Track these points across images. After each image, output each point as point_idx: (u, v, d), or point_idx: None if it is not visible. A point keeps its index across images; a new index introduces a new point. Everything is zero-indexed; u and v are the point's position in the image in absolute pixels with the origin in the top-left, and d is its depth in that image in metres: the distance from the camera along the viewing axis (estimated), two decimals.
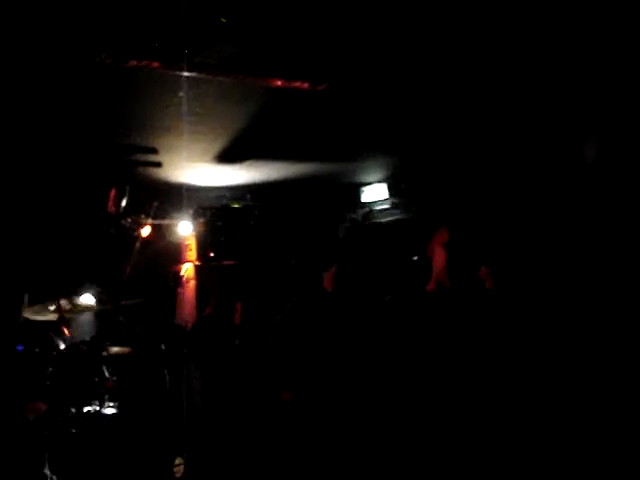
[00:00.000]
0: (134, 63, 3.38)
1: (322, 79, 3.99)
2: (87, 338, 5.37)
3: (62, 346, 5.19)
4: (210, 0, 3.09)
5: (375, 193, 7.82)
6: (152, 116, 5.17)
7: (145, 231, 6.96)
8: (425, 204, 7.28)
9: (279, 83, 3.83)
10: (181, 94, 4.57)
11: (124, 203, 5.94)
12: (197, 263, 7.04)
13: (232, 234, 6.99)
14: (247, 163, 6.46)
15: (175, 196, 7.36)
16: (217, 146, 5.94)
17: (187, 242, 7.11)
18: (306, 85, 3.93)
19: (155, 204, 7.03)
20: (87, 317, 5.71)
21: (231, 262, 7.05)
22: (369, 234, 7.68)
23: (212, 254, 6.98)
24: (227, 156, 6.15)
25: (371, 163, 7.25)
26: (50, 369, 4.87)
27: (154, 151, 5.78)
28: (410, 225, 7.30)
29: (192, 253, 7.07)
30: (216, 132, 5.61)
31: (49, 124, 5.03)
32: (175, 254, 7.29)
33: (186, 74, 3.81)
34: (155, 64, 3.41)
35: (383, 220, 7.73)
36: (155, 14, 3.14)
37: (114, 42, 3.26)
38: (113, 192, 5.82)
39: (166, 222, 7.25)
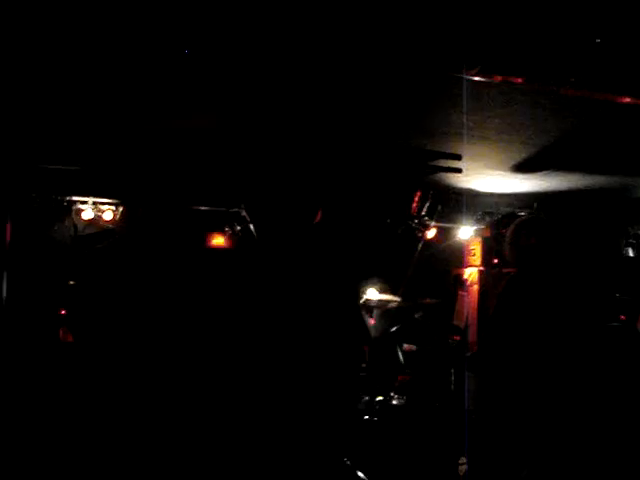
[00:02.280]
0: (499, 78, 3.50)
1: None
2: (389, 330, 5.65)
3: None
4: (584, 22, 3.12)
5: None
6: (461, 124, 5.31)
7: (430, 233, 7.18)
8: None
9: (627, 100, 3.79)
10: (492, 104, 4.68)
11: (426, 206, 6.17)
12: (481, 268, 7.13)
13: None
14: (543, 173, 6.44)
15: (459, 200, 7.52)
16: (518, 155, 5.97)
17: (471, 247, 7.22)
18: None
19: (439, 207, 7.21)
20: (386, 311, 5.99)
21: (511, 270, 7.05)
22: None
23: (496, 260, 7.04)
24: (526, 165, 6.17)
25: None
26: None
27: (458, 157, 5.92)
28: None
29: (476, 258, 7.16)
30: (522, 142, 5.64)
31: (366, 128, 5.32)
32: (455, 258, 7.44)
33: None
34: (518, 80, 3.51)
35: None
36: (525, 30, 3.23)
37: (487, 56, 3.40)
38: (418, 195, 6.06)
39: (449, 225, 7.42)
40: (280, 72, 3.93)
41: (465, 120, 5.14)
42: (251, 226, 6.29)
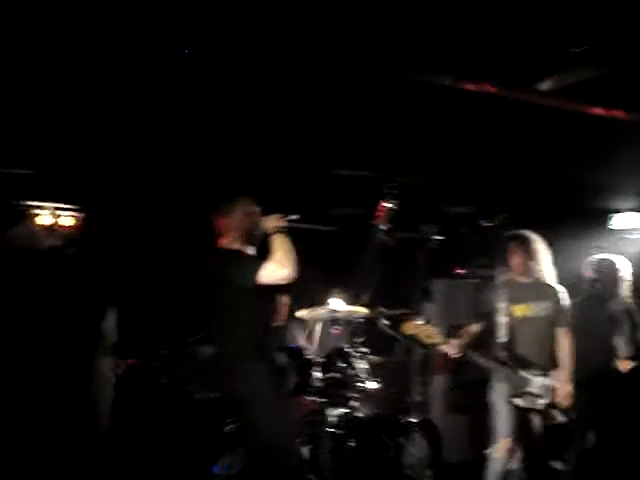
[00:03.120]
0: (472, 87, 3.46)
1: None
2: (347, 344, 5.54)
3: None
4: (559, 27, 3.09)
5: None
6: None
7: (395, 242, 7.10)
8: None
9: (599, 111, 3.78)
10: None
11: (390, 217, 6.09)
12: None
13: (483, 252, 7.02)
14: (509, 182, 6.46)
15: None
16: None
17: None
18: (623, 114, 3.85)
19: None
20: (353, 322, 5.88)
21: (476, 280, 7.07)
22: None
23: (459, 270, 7.02)
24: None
25: None
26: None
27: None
28: None
29: None
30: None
31: None
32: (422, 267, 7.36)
33: None
34: (492, 89, 3.48)
35: None
36: None
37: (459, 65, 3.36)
38: (383, 205, 5.98)
39: (415, 235, 7.34)
40: None
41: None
42: None
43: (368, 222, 6.04)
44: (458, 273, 7.37)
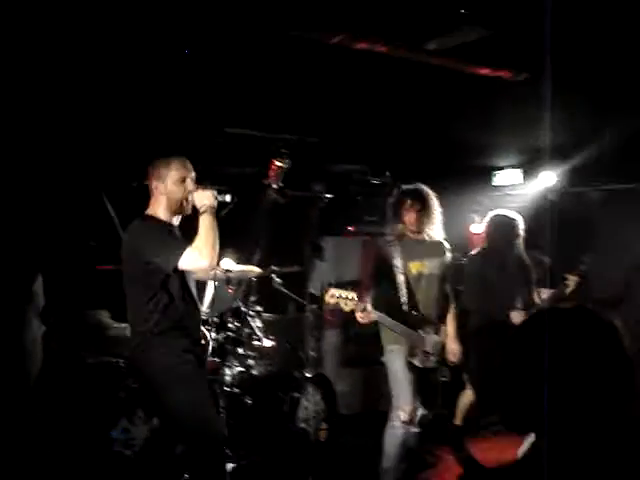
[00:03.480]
0: (363, 46, 3.49)
1: (524, 69, 4.03)
2: (241, 303, 5.55)
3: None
4: None
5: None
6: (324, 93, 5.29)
7: (287, 200, 7.14)
8: None
9: (486, 71, 3.89)
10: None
11: (282, 176, 6.10)
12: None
13: (371, 209, 7.14)
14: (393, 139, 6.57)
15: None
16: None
17: None
18: (509, 75, 3.98)
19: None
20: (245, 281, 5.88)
21: (367, 237, 7.21)
22: None
23: (350, 228, 7.14)
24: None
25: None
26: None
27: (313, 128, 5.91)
28: None
29: None
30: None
31: None
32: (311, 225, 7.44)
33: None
34: (383, 48, 3.52)
35: None
36: None
37: (351, 24, 3.37)
38: (274, 163, 5.97)
39: (307, 194, 7.39)
40: None
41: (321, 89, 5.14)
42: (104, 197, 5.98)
43: (260, 181, 6.03)
44: (348, 230, 7.47)
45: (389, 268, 4.83)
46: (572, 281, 5.62)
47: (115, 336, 5.33)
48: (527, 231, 5.70)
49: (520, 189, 7.81)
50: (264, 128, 5.99)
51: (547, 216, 6.76)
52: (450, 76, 4.38)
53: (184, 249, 3.58)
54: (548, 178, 7.33)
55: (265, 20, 3.59)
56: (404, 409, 4.67)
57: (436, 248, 4.96)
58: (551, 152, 6.43)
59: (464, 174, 7.83)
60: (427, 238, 4.92)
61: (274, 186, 6.05)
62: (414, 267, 4.85)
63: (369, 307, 4.53)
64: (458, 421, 5.98)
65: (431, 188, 5.02)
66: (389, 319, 4.64)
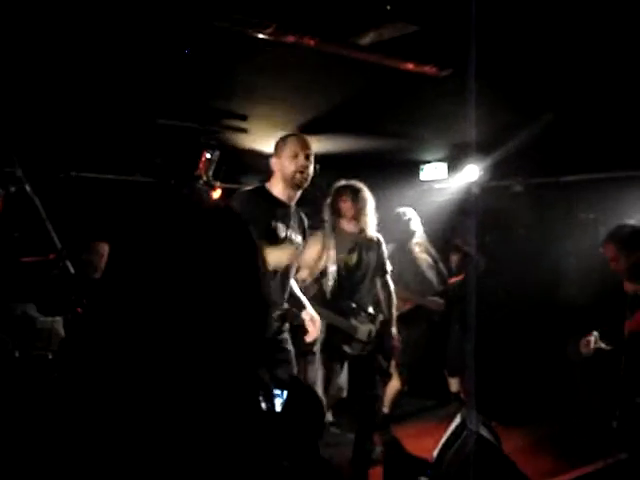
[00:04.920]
0: (292, 39, 3.52)
1: (448, 64, 4.14)
2: None
3: None
4: None
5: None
6: (249, 84, 5.30)
7: (216, 194, 7.14)
8: None
9: (411, 67, 3.98)
10: (281, 66, 4.72)
11: (213, 167, 6.11)
12: None
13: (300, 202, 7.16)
14: (325, 135, 6.62)
15: (244, 161, 7.56)
16: (304, 117, 6.10)
17: None
18: (433, 70, 4.08)
19: (224, 167, 7.18)
20: None
21: None
22: None
23: None
24: (309, 127, 6.30)
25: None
26: None
27: (243, 118, 5.93)
28: None
29: None
30: (306, 104, 5.76)
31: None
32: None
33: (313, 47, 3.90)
34: (311, 41, 3.56)
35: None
36: None
37: (280, 17, 3.40)
38: (204, 155, 5.98)
39: (234, 186, 7.40)
40: None
41: (251, 80, 5.14)
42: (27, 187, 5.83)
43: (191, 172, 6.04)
44: None
45: (321, 259, 4.98)
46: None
47: (41, 329, 5.26)
48: (451, 221, 6.09)
49: (445, 183, 8.00)
50: (195, 120, 5.96)
51: (471, 207, 7.00)
52: (376, 71, 4.45)
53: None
54: (472, 171, 7.53)
55: (195, 11, 3.59)
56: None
57: (369, 240, 5.13)
58: (475, 147, 6.61)
59: (391, 168, 7.97)
60: (361, 231, 5.09)
61: (204, 178, 6.07)
62: (347, 259, 5.02)
63: None
64: (386, 409, 6.13)
65: (364, 181, 5.23)
66: (317, 307, 4.72)
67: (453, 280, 6.81)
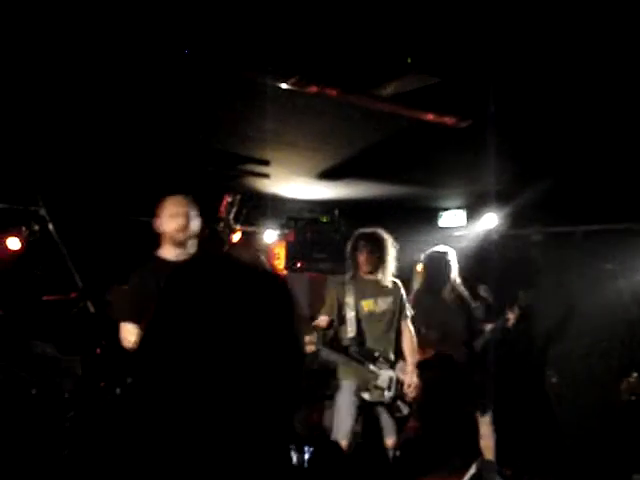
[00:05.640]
0: (314, 90, 3.60)
1: (468, 115, 4.20)
2: None
3: None
4: (397, 38, 3.30)
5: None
6: (271, 130, 5.38)
7: (236, 237, 7.22)
8: None
9: (431, 117, 4.04)
10: (302, 113, 4.80)
11: (234, 211, 6.19)
12: (284, 272, 7.28)
13: (321, 247, 7.24)
14: (345, 181, 6.69)
15: (264, 205, 7.63)
16: (324, 163, 6.16)
17: (276, 250, 7.36)
18: (453, 121, 4.14)
19: (244, 211, 7.27)
20: None
21: (315, 274, 7.30)
22: None
23: (299, 264, 7.22)
24: (330, 173, 6.38)
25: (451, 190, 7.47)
26: None
27: (266, 163, 6.01)
28: None
29: (280, 261, 7.30)
30: (328, 150, 5.82)
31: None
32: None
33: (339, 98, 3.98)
34: (333, 92, 3.63)
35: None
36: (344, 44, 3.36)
37: (302, 68, 3.48)
38: (226, 199, 6.07)
39: (254, 229, 7.50)
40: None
41: (274, 127, 5.22)
42: (50, 226, 5.93)
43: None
44: (297, 266, 7.56)
45: (340, 305, 5.02)
46: (512, 315, 5.78)
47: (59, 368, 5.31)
48: (470, 269, 5.91)
49: (464, 230, 8.02)
50: (218, 164, 6.04)
51: (490, 255, 6.99)
52: (397, 120, 4.52)
53: None
54: (491, 219, 7.54)
55: (219, 61, 3.67)
56: (341, 443, 4.80)
57: (389, 286, 5.14)
58: (494, 195, 6.64)
59: (411, 214, 8.03)
60: (381, 277, 5.10)
61: (224, 220, 6.15)
62: (366, 305, 5.05)
63: (309, 338, 4.69)
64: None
65: (384, 228, 5.24)
66: (334, 354, 4.75)
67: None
